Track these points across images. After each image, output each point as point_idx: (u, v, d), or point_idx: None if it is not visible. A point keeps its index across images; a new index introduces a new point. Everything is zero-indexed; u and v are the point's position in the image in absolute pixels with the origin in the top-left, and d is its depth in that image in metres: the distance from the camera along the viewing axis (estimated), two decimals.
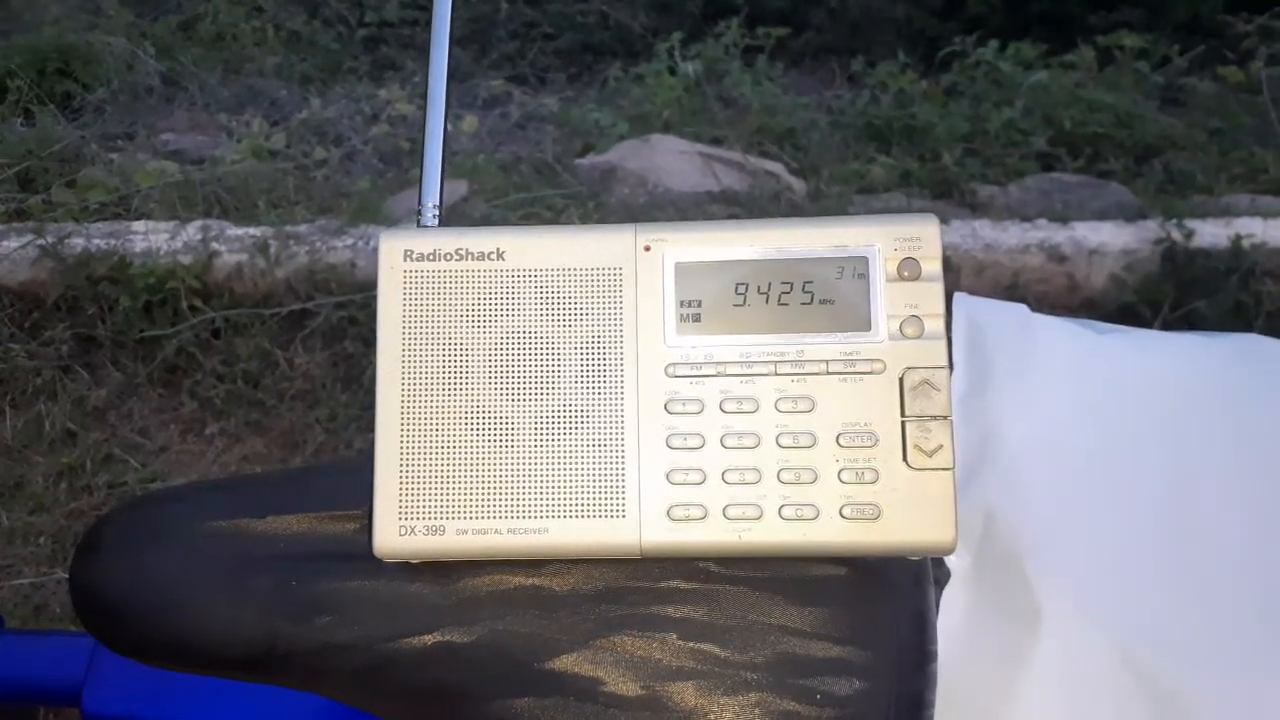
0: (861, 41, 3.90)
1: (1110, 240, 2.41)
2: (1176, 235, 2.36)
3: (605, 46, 4.08)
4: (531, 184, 2.81)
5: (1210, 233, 2.39)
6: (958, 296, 0.55)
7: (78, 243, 2.40)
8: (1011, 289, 2.35)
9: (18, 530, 1.91)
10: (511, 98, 3.52)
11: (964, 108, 3.20)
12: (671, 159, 2.92)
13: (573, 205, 2.69)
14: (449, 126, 0.47)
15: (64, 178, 2.81)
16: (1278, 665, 0.45)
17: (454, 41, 0.48)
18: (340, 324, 2.27)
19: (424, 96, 0.48)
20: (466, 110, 3.38)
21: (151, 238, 2.42)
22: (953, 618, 0.48)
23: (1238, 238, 2.33)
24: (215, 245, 2.40)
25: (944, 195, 2.87)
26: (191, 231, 2.44)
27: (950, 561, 0.49)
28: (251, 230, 2.46)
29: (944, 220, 2.46)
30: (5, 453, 2.08)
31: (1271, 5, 3.43)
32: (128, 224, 2.52)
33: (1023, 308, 0.56)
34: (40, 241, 2.39)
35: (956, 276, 2.34)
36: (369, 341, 0.40)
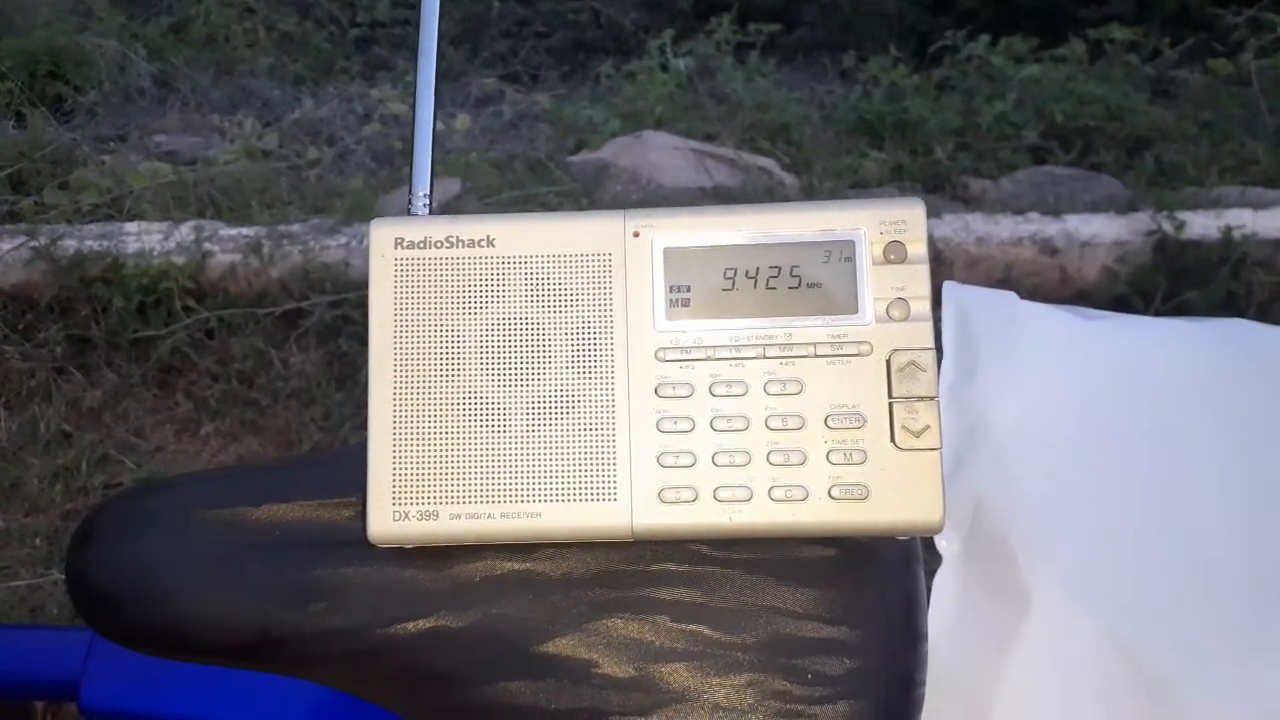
0: (853, 37, 3.91)
1: (1102, 232, 2.42)
2: (1168, 227, 2.37)
3: (597, 44, 4.08)
4: (525, 181, 2.82)
5: (1201, 224, 2.39)
6: (947, 285, 0.55)
7: (71, 244, 2.40)
8: (1004, 282, 2.36)
9: (13, 532, 1.91)
10: (504, 96, 3.52)
11: (956, 102, 3.21)
12: (664, 155, 2.93)
13: (566, 202, 2.69)
14: (439, 120, 0.47)
15: (56, 179, 2.81)
16: (1263, 648, 0.46)
17: (445, 37, 0.48)
18: (334, 323, 2.27)
19: (415, 93, 0.49)
20: (459, 109, 3.38)
21: (145, 238, 2.42)
22: (943, 601, 0.49)
23: (1228, 229, 2.34)
24: (208, 245, 2.40)
25: (936, 189, 2.88)
26: (185, 232, 2.44)
27: (941, 546, 0.50)
28: (245, 230, 2.46)
29: (936, 214, 2.46)
30: (0, 455, 2.08)
31: None
32: (121, 225, 2.52)
33: (1012, 295, 0.56)
34: (33, 243, 2.39)
35: (949, 270, 2.35)
36: (363, 340, 0.40)
